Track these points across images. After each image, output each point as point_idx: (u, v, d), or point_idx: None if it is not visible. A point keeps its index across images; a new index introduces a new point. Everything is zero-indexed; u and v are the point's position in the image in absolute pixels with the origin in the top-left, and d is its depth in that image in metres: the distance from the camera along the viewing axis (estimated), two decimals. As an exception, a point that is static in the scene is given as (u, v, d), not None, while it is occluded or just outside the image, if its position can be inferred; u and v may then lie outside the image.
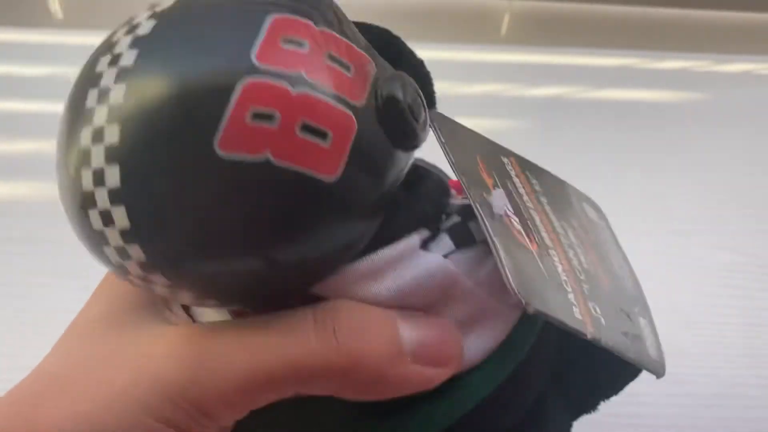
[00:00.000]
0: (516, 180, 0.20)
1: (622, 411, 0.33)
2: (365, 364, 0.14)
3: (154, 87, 0.12)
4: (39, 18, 0.67)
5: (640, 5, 0.70)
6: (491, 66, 0.64)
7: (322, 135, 0.13)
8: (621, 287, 0.21)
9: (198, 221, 0.13)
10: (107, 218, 0.13)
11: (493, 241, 0.15)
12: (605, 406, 0.33)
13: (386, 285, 0.15)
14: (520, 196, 0.19)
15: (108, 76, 0.13)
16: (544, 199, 0.21)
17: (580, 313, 0.16)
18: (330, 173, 0.13)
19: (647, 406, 0.33)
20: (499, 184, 0.18)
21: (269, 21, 0.13)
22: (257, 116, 0.12)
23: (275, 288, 0.15)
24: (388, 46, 0.17)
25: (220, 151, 0.12)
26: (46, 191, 0.47)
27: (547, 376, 0.21)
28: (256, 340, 0.14)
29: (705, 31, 0.70)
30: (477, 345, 0.17)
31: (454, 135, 0.18)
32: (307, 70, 0.13)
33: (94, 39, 0.15)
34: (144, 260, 0.13)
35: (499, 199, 0.17)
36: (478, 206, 0.16)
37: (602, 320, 0.17)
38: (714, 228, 0.45)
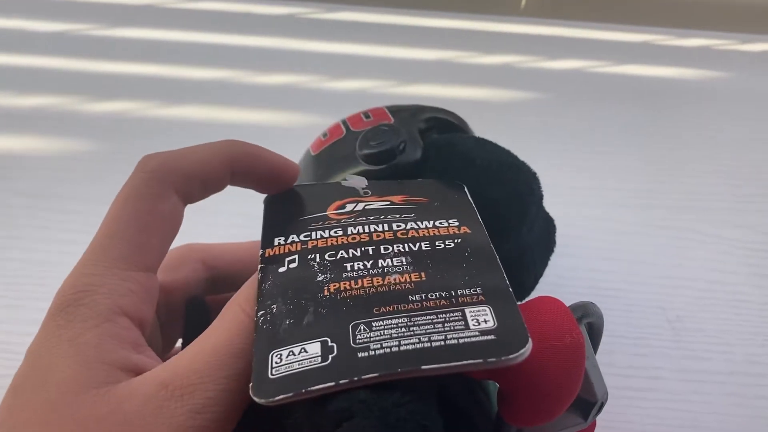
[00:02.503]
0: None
1: (638, 385, 0.33)
2: None
3: None
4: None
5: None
6: (511, 37, 0.62)
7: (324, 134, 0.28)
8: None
9: None
10: None
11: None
12: (621, 380, 0.33)
13: None
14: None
15: None
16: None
17: None
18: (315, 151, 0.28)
19: (663, 380, 0.33)
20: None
21: None
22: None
23: None
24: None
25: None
26: (53, 145, 0.47)
27: None
28: None
29: (728, 9, 0.68)
30: None
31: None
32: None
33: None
34: None
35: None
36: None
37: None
38: (732, 206, 0.44)
